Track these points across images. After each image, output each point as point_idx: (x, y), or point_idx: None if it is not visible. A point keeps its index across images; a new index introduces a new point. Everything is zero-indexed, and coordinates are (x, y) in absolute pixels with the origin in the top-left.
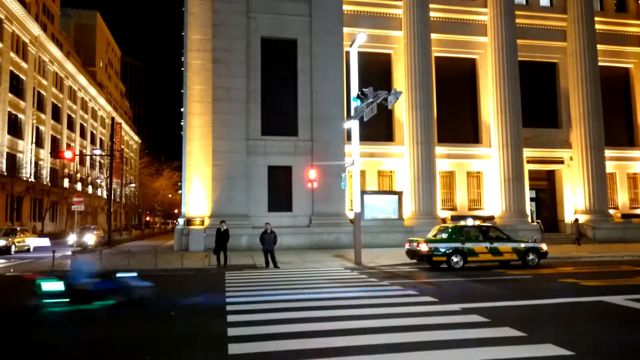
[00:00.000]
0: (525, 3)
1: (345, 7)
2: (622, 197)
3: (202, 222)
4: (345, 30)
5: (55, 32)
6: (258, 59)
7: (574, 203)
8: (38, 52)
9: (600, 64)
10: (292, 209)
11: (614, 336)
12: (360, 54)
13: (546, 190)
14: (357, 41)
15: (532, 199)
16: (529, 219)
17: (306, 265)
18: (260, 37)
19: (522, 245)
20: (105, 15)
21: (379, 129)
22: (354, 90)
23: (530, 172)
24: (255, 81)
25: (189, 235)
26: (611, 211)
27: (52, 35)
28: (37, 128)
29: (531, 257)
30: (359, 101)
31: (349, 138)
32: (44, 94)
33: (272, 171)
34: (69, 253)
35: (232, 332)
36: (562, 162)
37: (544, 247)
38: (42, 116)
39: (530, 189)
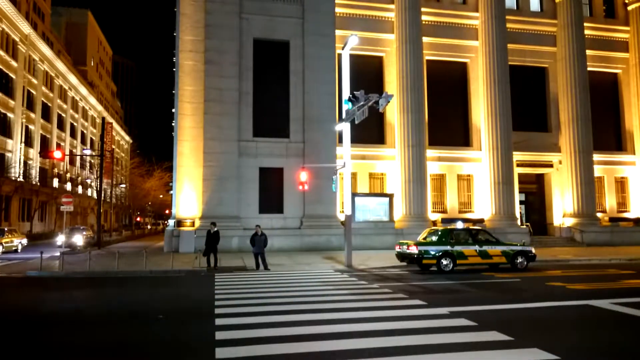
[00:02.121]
0: (516, 8)
1: (338, 10)
2: (610, 201)
3: (193, 224)
4: (338, 32)
5: (46, 31)
6: (250, 60)
7: (563, 206)
8: (28, 50)
9: (589, 69)
10: (283, 211)
11: (599, 340)
12: (352, 56)
13: (535, 193)
14: (349, 43)
15: (521, 202)
16: (519, 222)
17: (296, 267)
18: (252, 38)
19: (511, 248)
20: (96, 14)
21: (370, 131)
22: (346, 92)
23: (519, 175)
24: (248, 82)
25: (179, 236)
26: (599, 215)
27: (42, 34)
28: (27, 127)
29: (520, 260)
30: (350, 104)
31: (340, 140)
32: (34, 92)
33: (264, 173)
34: (57, 254)
35: (220, 335)
36: (551, 165)
37: (533, 250)
38: (32, 115)
39: (519, 192)
